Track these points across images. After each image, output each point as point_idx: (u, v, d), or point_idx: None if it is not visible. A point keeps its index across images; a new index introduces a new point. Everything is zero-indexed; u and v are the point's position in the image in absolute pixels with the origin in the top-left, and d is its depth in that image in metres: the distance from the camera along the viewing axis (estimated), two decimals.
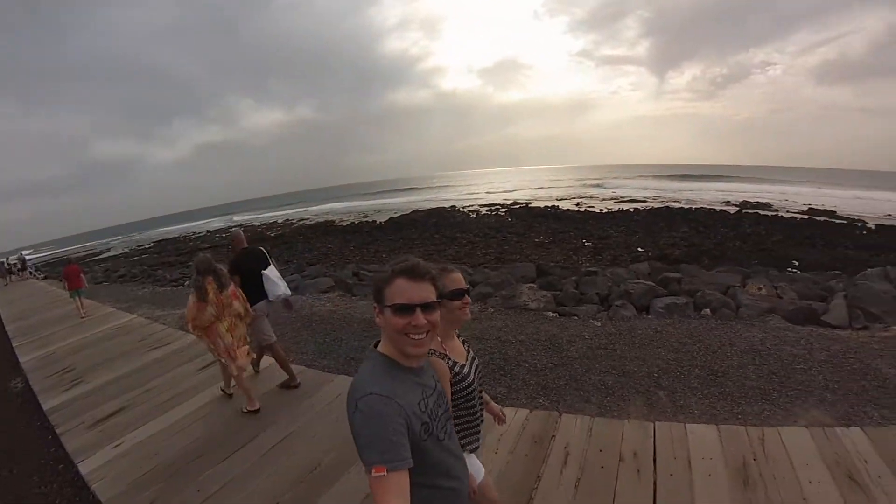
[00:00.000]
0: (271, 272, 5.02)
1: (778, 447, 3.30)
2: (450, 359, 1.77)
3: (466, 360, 1.86)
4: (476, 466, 1.90)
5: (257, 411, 4.52)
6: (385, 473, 1.16)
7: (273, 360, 5.20)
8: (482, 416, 1.97)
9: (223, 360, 4.51)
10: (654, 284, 8.30)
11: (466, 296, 1.83)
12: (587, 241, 19.56)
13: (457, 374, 1.77)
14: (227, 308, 4.41)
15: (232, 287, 4.51)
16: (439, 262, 1.67)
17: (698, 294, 7.44)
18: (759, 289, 7.85)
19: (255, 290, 4.87)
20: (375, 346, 1.47)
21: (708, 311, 6.84)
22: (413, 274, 1.37)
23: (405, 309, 1.34)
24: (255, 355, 5.19)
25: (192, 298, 4.31)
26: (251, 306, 4.71)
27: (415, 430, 1.30)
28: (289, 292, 5.14)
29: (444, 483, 1.42)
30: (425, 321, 1.35)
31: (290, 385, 5.02)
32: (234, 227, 47.56)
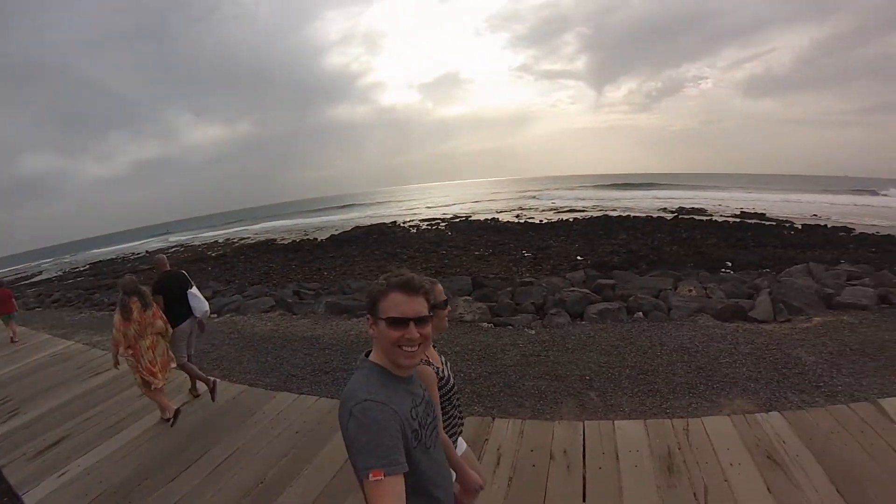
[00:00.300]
0: (196, 291, 5.52)
1: (701, 436, 3.59)
2: (433, 365, 1.91)
3: (442, 363, 2.03)
4: (462, 446, 2.13)
5: (177, 412, 4.91)
6: (382, 477, 1.21)
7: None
8: (462, 414, 2.13)
9: (143, 377, 4.84)
10: (588, 291, 8.70)
11: (448, 305, 2.04)
12: (527, 253, 20.02)
13: (441, 377, 1.92)
14: (149, 326, 4.90)
15: (155, 307, 5.01)
16: (425, 275, 1.79)
17: (631, 298, 7.89)
18: (690, 290, 8.41)
19: (176, 310, 5.31)
20: (367, 355, 1.54)
21: (640, 314, 7.26)
22: (408, 288, 1.45)
23: (400, 322, 1.42)
24: (175, 365, 5.39)
25: (117, 317, 4.75)
26: (174, 327, 5.20)
27: (407, 436, 1.36)
28: (208, 312, 5.61)
29: (432, 491, 1.49)
30: (418, 334, 1.43)
31: (211, 389, 5.28)
32: (174, 247, 49.61)
